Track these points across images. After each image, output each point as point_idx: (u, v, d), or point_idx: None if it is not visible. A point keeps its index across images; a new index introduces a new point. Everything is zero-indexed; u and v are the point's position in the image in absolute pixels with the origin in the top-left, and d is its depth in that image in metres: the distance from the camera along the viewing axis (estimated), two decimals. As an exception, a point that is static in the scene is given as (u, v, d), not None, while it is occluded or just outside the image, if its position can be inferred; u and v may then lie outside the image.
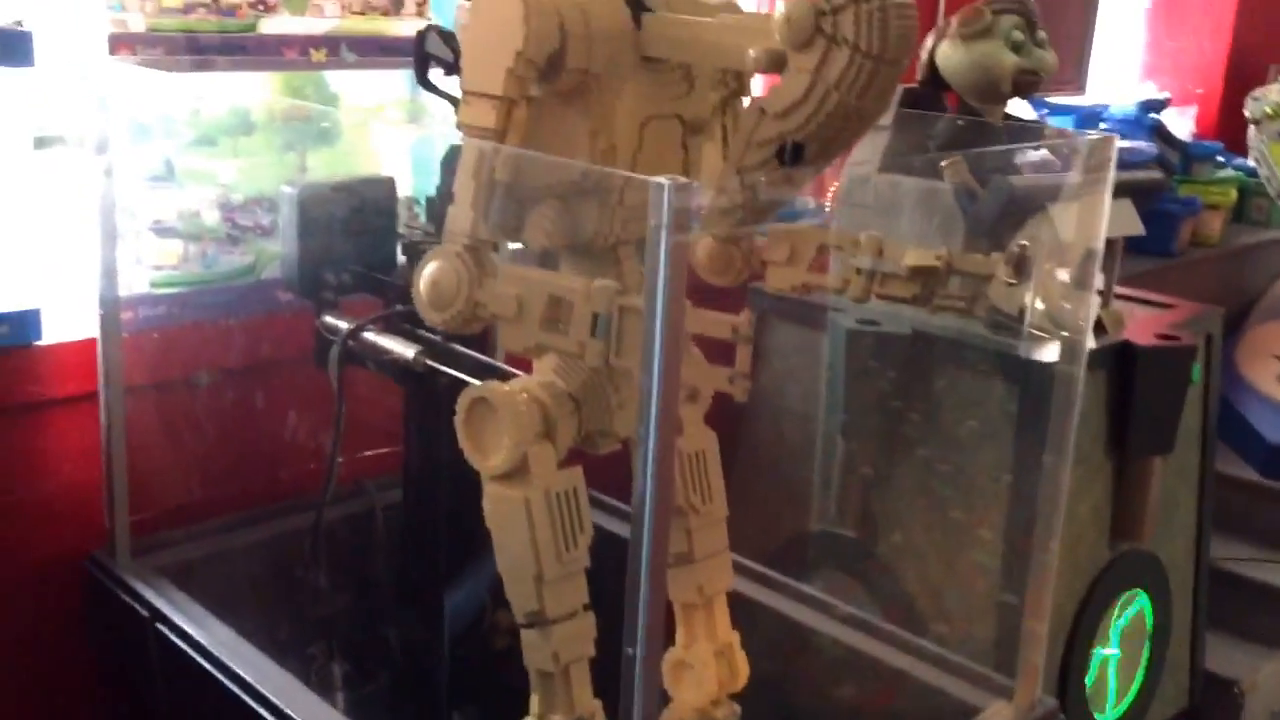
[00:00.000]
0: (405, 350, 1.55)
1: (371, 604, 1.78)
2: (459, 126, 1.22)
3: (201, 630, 1.54)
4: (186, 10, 1.74)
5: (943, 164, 2.01)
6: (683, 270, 0.95)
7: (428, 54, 1.36)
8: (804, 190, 1.43)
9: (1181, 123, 3.99)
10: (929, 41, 2.19)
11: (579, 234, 1.27)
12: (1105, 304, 2.23)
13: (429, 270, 1.24)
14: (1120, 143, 3.44)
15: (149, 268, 1.82)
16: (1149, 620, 2.41)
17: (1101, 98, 3.99)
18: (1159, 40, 4.35)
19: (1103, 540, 2.24)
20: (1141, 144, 3.36)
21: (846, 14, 1.04)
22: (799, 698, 1.75)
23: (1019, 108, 2.39)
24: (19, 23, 1.53)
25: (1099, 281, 2.20)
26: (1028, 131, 2.23)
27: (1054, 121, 3.52)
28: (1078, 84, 4.09)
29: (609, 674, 1.10)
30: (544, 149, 1.24)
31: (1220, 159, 3.81)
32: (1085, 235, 1.48)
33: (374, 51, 1.91)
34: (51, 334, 1.71)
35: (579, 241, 1.28)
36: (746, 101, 1.34)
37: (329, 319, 1.64)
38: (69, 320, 1.75)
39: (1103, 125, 3.58)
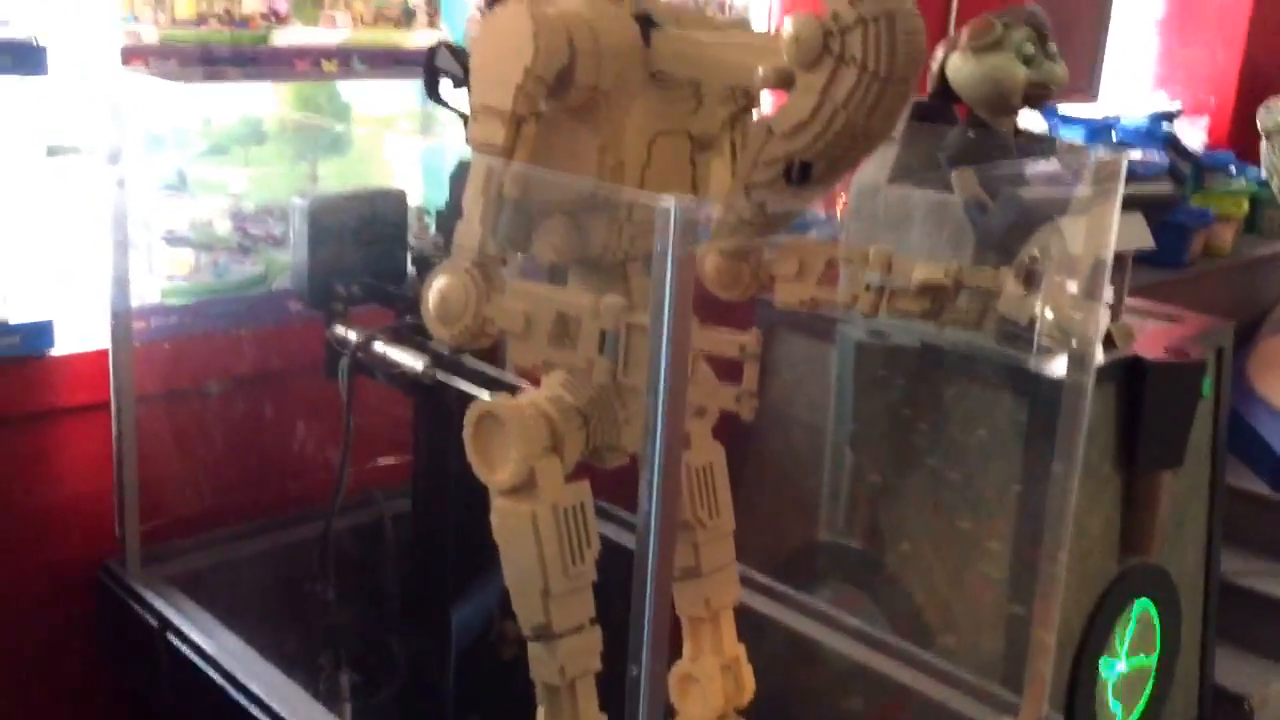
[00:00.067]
0: (414, 362, 1.55)
1: (380, 614, 1.79)
2: (468, 142, 1.23)
3: (210, 640, 1.54)
4: (199, 22, 1.75)
5: (953, 176, 2.00)
6: (689, 290, 0.95)
7: (438, 69, 1.37)
8: (814, 203, 1.43)
9: (1193, 133, 3.98)
10: (939, 53, 2.18)
11: (587, 249, 1.27)
12: (1115, 318, 2.22)
13: (437, 285, 1.24)
14: (1132, 153, 3.44)
15: (161, 277, 1.83)
16: (1158, 634, 2.40)
17: (1113, 107, 3.99)
18: (1171, 50, 4.34)
19: (1112, 554, 2.23)
20: (1153, 155, 3.34)
21: (854, 34, 1.04)
22: (805, 712, 1.75)
23: (1030, 118, 2.38)
24: (34, 35, 1.54)
25: (1108, 295, 2.21)
26: (1038, 144, 2.22)
27: (1065, 132, 3.51)
28: (1089, 93, 4.08)
29: (615, 687, 1.10)
30: (553, 165, 1.24)
31: (1232, 170, 3.80)
32: (1094, 247, 1.47)
33: (385, 63, 1.92)
34: (64, 344, 1.72)
35: (587, 256, 1.28)
36: (756, 117, 1.34)
37: (339, 330, 1.64)
38: (81, 330, 1.76)
39: (1114, 136, 3.57)
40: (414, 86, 2.07)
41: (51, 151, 1.79)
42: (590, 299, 1.17)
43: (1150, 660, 2.41)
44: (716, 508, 1.46)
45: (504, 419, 1.24)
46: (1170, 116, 3.80)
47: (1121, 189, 1.44)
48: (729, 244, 1.33)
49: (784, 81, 1.09)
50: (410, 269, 1.72)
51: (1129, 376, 2.15)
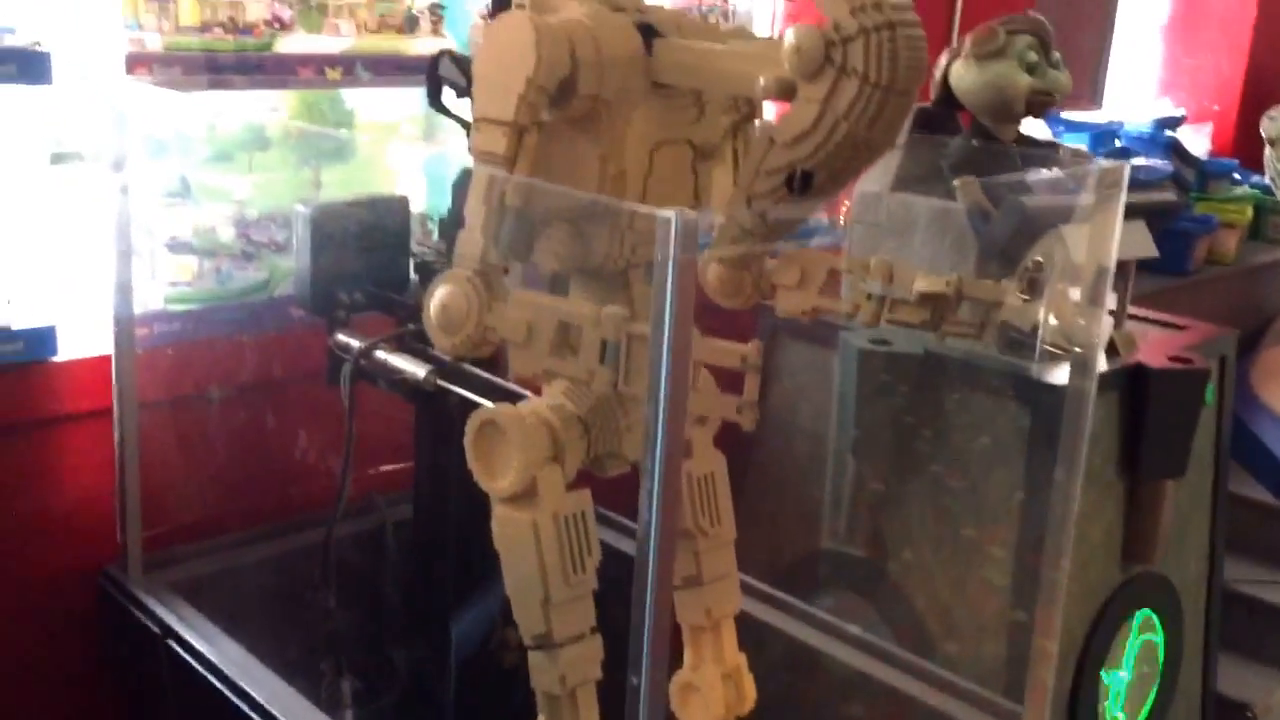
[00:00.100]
0: (416, 369, 1.56)
1: (381, 621, 1.79)
2: (470, 151, 1.23)
3: (212, 648, 1.55)
4: (203, 29, 1.75)
5: (956, 183, 2.00)
6: (689, 301, 0.95)
7: (440, 78, 1.37)
8: (816, 212, 1.43)
9: (1197, 140, 3.98)
10: (943, 61, 2.19)
11: (589, 257, 1.28)
12: (1118, 325, 2.22)
13: (439, 294, 1.24)
14: (1135, 160, 3.43)
15: (164, 284, 1.83)
16: (1160, 643, 2.40)
17: (1117, 114, 3.99)
18: (1176, 57, 4.34)
19: (1114, 563, 2.23)
20: (1156, 162, 3.35)
21: (856, 44, 1.04)
22: (806, 721, 1.75)
23: (1033, 125, 2.38)
24: (37, 43, 1.54)
25: (1111, 302, 2.20)
26: (1041, 152, 2.22)
27: (1069, 138, 3.51)
28: (1093, 100, 4.09)
29: (617, 695, 1.10)
30: (554, 174, 1.24)
31: (1236, 176, 3.80)
32: (1097, 255, 1.47)
33: (389, 70, 1.93)
34: (67, 350, 1.73)
35: (589, 265, 1.28)
36: (758, 125, 1.34)
37: (341, 337, 1.65)
38: (84, 336, 1.76)
39: (1118, 142, 3.58)
40: (418, 93, 2.06)
41: (55, 158, 1.79)
42: (591, 308, 1.17)
43: (1153, 669, 2.40)
44: (718, 516, 1.46)
45: (505, 427, 1.24)
46: (1174, 123, 3.80)
47: (1124, 197, 1.45)
48: (730, 253, 1.33)
49: (786, 92, 1.09)
50: (413, 276, 1.72)
51: (1131, 384, 2.15)
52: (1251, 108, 4.02)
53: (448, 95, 1.39)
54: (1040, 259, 1.86)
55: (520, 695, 1.35)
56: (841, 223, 2.20)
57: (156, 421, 1.74)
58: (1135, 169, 3.14)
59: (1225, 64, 4.26)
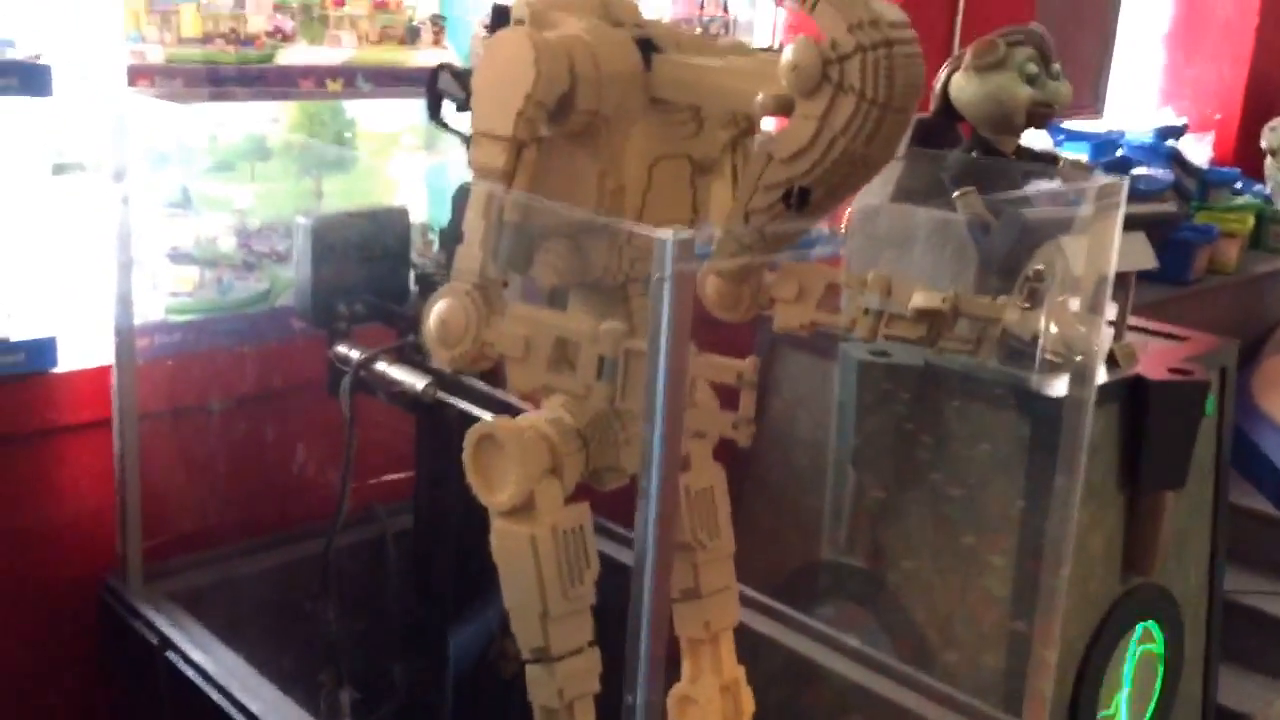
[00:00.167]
0: (416, 381, 1.56)
1: (381, 631, 1.79)
2: (469, 165, 1.23)
3: (210, 659, 1.55)
4: (205, 40, 1.76)
5: (955, 195, 2.01)
6: (686, 320, 0.96)
7: (440, 91, 1.37)
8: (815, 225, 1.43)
9: (1199, 149, 3.98)
10: (943, 72, 2.19)
11: (588, 272, 1.28)
12: (1118, 337, 2.22)
13: (438, 308, 1.25)
14: (1136, 170, 3.42)
15: (165, 294, 1.83)
16: (1161, 654, 2.40)
17: (1119, 123, 3.99)
18: (1177, 66, 4.35)
19: (1114, 574, 2.23)
20: (1158, 171, 3.35)
21: (853, 62, 1.04)
22: (804, 733, 1.75)
23: (1035, 136, 2.39)
24: (38, 55, 1.55)
25: (1111, 313, 2.20)
26: (1041, 163, 2.23)
27: (1070, 148, 3.52)
28: (1095, 109, 4.09)
29: (615, 707, 1.10)
30: (553, 189, 1.25)
31: (1238, 186, 3.80)
32: (1096, 266, 1.48)
33: (389, 82, 1.93)
34: (67, 361, 1.73)
35: (588, 279, 1.29)
36: (757, 140, 1.35)
37: (341, 348, 1.65)
38: (84, 347, 1.76)
39: (1119, 152, 3.58)
40: (419, 103, 2.07)
41: (57, 169, 1.80)
42: (589, 324, 1.18)
43: (1153, 680, 2.40)
44: (717, 529, 1.46)
45: (503, 441, 1.24)
46: (1176, 133, 3.80)
47: (1123, 212, 1.45)
48: (728, 266, 1.33)
49: (783, 108, 1.10)
50: (413, 287, 1.72)
51: (1132, 396, 2.15)
52: (1253, 117, 4.03)
53: (447, 109, 1.40)
54: (1041, 267, 1.86)
55: (519, 706, 1.35)
56: (843, 230, 2.20)
57: (157, 432, 1.75)
58: (1136, 179, 3.16)
59: (1227, 73, 4.26)
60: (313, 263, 1.66)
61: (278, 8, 1.82)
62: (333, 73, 1.88)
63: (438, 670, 1.68)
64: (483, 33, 1.34)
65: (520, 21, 1.23)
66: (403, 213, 1.77)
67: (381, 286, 1.70)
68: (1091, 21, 3.95)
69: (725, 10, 2.52)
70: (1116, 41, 4.07)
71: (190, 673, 1.55)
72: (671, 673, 1.44)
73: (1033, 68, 2.10)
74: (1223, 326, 2.69)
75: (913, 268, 2.10)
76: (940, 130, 2.20)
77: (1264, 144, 3.30)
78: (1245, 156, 4.02)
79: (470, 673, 1.68)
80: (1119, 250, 1.47)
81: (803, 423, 2.35)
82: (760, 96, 1.11)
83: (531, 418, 1.29)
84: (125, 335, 1.68)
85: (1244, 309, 3.49)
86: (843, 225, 2.20)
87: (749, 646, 1.54)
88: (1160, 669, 2.40)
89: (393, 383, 1.58)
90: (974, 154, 2.13)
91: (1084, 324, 1.45)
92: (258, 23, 1.79)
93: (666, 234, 0.93)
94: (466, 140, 1.27)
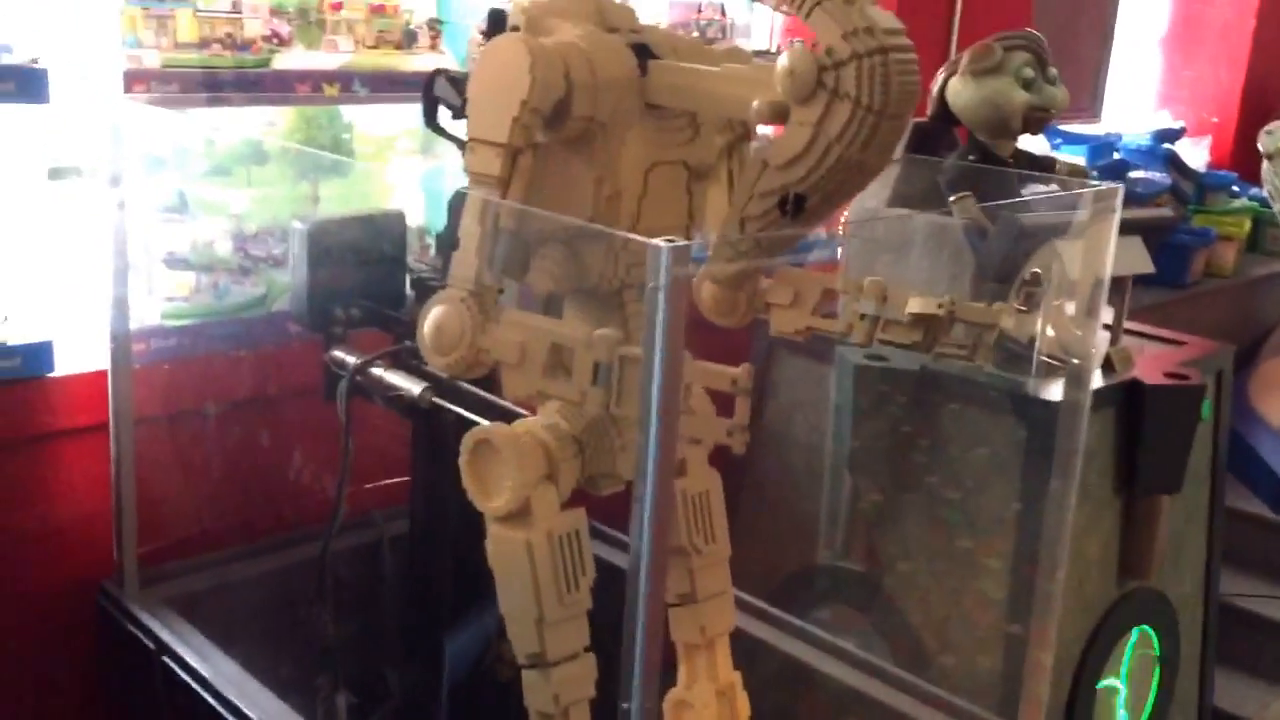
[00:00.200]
0: (412, 387, 1.56)
1: (377, 635, 1.79)
2: (465, 171, 1.23)
3: (206, 664, 1.55)
4: (202, 45, 1.76)
5: (952, 200, 2.01)
6: (680, 329, 0.96)
7: (436, 97, 1.37)
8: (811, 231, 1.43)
9: (1196, 152, 3.99)
10: (939, 77, 2.19)
11: (584, 278, 1.28)
12: (1114, 341, 2.22)
13: (433, 315, 1.24)
14: (1134, 173, 3.42)
15: (161, 299, 1.83)
16: (1157, 658, 2.40)
17: (1116, 126, 3.99)
18: (1174, 69, 4.35)
19: (1110, 578, 2.23)
20: (1155, 174, 3.36)
21: (849, 69, 1.04)
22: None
23: (1031, 140, 2.39)
24: (35, 60, 1.55)
25: (1108, 316, 2.21)
26: (1038, 167, 2.23)
27: (1067, 151, 3.52)
28: (1092, 112, 4.10)
29: (611, 712, 1.10)
30: (549, 195, 1.25)
31: (1235, 189, 3.81)
32: (1092, 271, 1.48)
33: (386, 86, 1.93)
34: (64, 366, 1.73)
35: (584, 285, 1.29)
36: (753, 145, 1.35)
37: (337, 353, 1.65)
38: (81, 351, 1.76)
39: (1116, 155, 3.58)
40: (416, 108, 2.07)
41: (53, 173, 1.80)
42: (584, 331, 1.17)
43: (1149, 683, 2.40)
44: (712, 534, 1.46)
45: (500, 446, 1.24)
46: (1173, 136, 3.81)
47: (1118, 219, 1.45)
48: (724, 272, 1.33)
49: (779, 115, 1.10)
50: (409, 292, 1.72)
51: (1128, 400, 2.15)
52: (1250, 120, 4.03)
53: (443, 115, 1.40)
54: (1038, 270, 1.86)
55: (515, 711, 1.35)
56: (841, 232, 2.20)
57: (153, 437, 1.75)
58: (1133, 182, 3.16)
59: (1224, 76, 4.27)
60: (309, 267, 1.66)
61: (274, 12, 1.82)
62: (329, 77, 1.88)
63: (434, 675, 1.68)
64: (480, 38, 1.34)
65: (516, 28, 1.23)
66: (399, 217, 1.77)
67: (378, 291, 1.70)
68: (1089, 24, 3.95)
69: (723, 14, 2.52)
70: (1114, 44, 4.08)
71: (186, 678, 1.55)
72: (667, 678, 1.44)
73: (1029, 72, 2.10)
74: (1220, 329, 2.70)
75: (909, 272, 2.10)
76: (937, 134, 2.20)
77: (1261, 147, 3.29)
78: (1242, 160, 4.02)
79: (466, 677, 1.68)
80: (1115, 255, 1.47)
81: (799, 426, 2.35)
82: (756, 103, 1.11)
83: (528, 423, 1.29)
84: (121, 340, 1.68)
85: (1241, 312, 3.50)
86: (840, 228, 2.20)
87: (745, 651, 1.54)
88: (1156, 672, 2.41)
89: (389, 388, 1.58)
90: (971, 158, 2.13)
91: (1080, 327, 1.46)
92: (254, 27, 1.79)
93: (661, 243, 0.93)
94: (462, 146, 1.27)
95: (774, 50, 2.63)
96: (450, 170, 1.87)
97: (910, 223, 2.11)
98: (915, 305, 1.29)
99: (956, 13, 2.85)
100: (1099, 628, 2.21)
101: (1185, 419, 2.21)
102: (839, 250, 2.21)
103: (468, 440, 1.27)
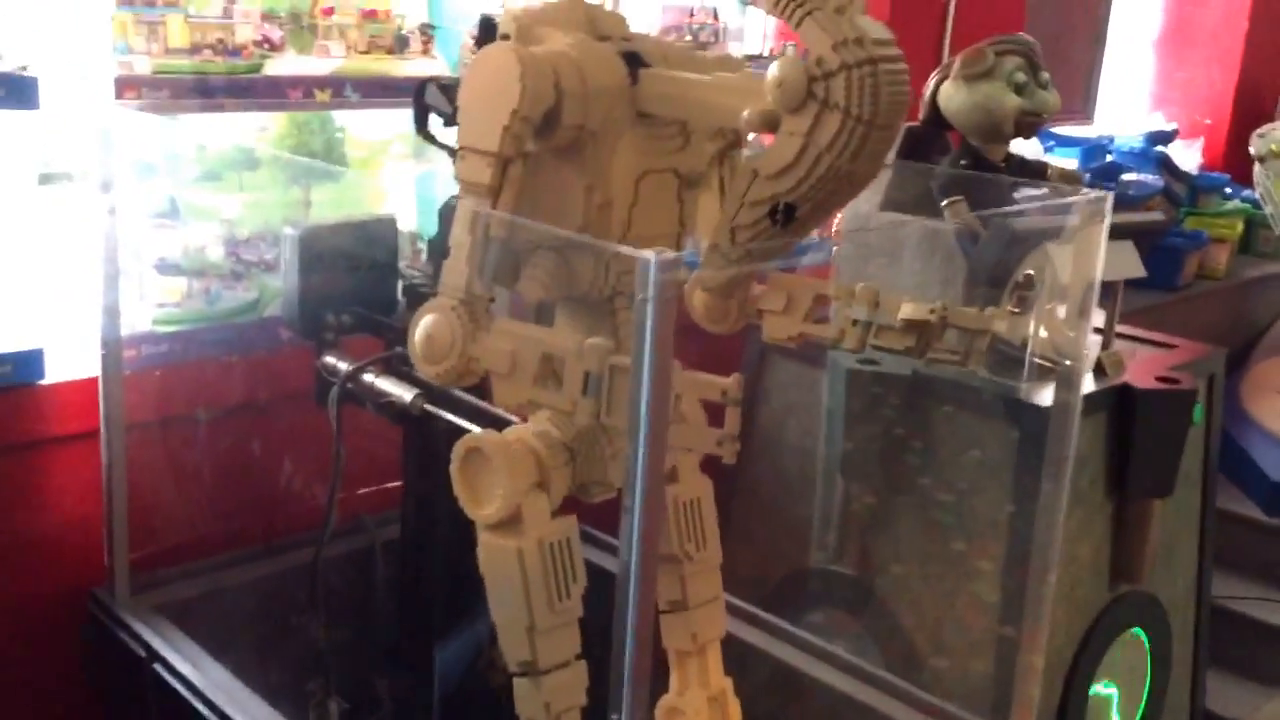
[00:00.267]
0: (404, 393, 1.56)
1: (369, 641, 1.79)
2: (455, 179, 1.23)
3: (197, 672, 1.54)
4: (193, 51, 1.75)
5: (944, 204, 2.01)
6: (669, 340, 0.96)
7: (427, 105, 1.37)
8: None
9: (1189, 154, 3.99)
10: (931, 81, 2.20)
11: (574, 286, 1.28)
12: (1106, 345, 2.22)
13: (424, 323, 1.24)
14: (1126, 175, 3.42)
15: (152, 305, 1.83)
16: (1148, 661, 2.40)
17: (1109, 128, 4.00)
18: (1168, 71, 4.36)
19: (1102, 581, 2.24)
20: (1147, 177, 3.36)
21: (838, 79, 1.04)
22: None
23: (1024, 144, 2.39)
24: (24, 67, 1.54)
25: (1099, 321, 2.21)
26: (1030, 171, 2.23)
27: (1060, 153, 3.52)
28: (1085, 114, 4.10)
29: (602, 719, 1.10)
30: (540, 203, 1.24)
31: (1227, 191, 3.81)
32: (1083, 275, 1.49)
33: (378, 92, 1.93)
34: (54, 373, 1.72)
35: (575, 293, 1.29)
36: (745, 153, 1.35)
37: (329, 359, 1.65)
38: (72, 358, 1.76)
39: (1109, 157, 3.59)
40: (407, 113, 2.07)
41: (43, 179, 1.79)
42: (574, 340, 1.17)
43: (1141, 686, 2.41)
44: (703, 540, 1.46)
45: (490, 454, 1.24)
46: (1166, 138, 3.81)
47: (1108, 224, 1.45)
48: (715, 280, 1.33)
49: (769, 124, 1.10)
50: (400, 298, 1.72)
51: (1119, 404, 2.16)
52: (1243, 122, 4.04)
53: (434, 122, 1.40)
54: (1030, 273, 1.87)
55: (507, 717, 1.35)
56: (834, 233, 2.20)
57: (144, 443, 1.74)
58: (1126, 184, 3.16)
59: (1216, 78, 4.27)
60: (300, 272, 1.66)
61: (266, 17, 1.82)
62: (321, 83, 1.87)
63: (425, 681, 1.68)
64: (472, 44, 1.34)
65: (506, 37, 1.23)
66: (391, 222, 1.76)
67: (369, 296, 1.70)
68: (1082, 27, 3.96)
69: (715, 17, 2.52)
70: (1107, 47, 4.08)
71: (177, 685, 1.54)
72: (659, 684, 1.44)
73: (1021, 77, 2.10)
74: (1212, 331, 2.70)
75: (901, 277, 2.10)
76: (929, 139, 2.20)
77: (1252, 150, 3.31)
78: (1235, 162, 4.03)
79: (457, 684, 1.68)
80: (1106, 260, 1.47)
81: (792, 430, 2.35)
82: (746, 112, 1.10)
83: (519, 431, 1.29)
84: (112, 346, 1.68)
85: (1233, 314, 3.50)
86: (833, 232, 2.20)
87: (736, 657, 1.54)
88: (1148, 675, 2.41)
89: (381, 394, 1.58)
90: (963, 163, 2.13)
91: (1071, 330, 1.46)
92: (245, 33, 1.79)
93: (649, 255, 0.93)
94: (453, 154, 1.27)
95: (767, 54, 2.63)
96: (442, 176, 1.87)
97: (902, 227, 2.12)
98: (908, 311, 1.29)
99: (949, 17, 2.85)
100: (1091, 630, 2.21)
101: (1177, 424, 2.21)
102: (831, 254, 2.21)
103: (459, 448, 1.26)
